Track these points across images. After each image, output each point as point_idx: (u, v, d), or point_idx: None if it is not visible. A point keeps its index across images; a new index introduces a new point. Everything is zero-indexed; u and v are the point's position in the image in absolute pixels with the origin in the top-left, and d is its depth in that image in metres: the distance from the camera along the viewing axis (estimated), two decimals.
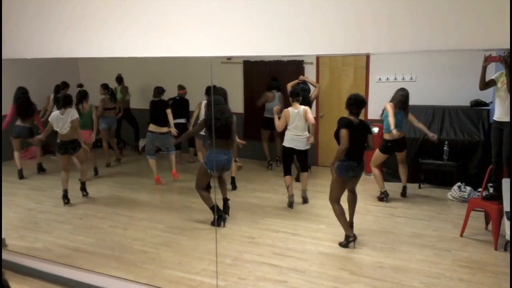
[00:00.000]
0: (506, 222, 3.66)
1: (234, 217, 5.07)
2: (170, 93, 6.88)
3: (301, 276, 3.83)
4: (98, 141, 7.04)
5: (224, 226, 4.87)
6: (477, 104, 5.87)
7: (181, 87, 6.96)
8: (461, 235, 4.55)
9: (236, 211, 5.19)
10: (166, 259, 4.21)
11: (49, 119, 5.53)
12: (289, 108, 5.43)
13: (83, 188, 5.89)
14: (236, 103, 7.40)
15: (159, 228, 4.94)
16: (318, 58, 6.95)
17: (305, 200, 5.50)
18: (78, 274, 3.81)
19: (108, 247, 4.47)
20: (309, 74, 7.16)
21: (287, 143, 5.45)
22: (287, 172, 5.48)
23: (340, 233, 4.48)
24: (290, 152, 5.49)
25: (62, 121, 5.49)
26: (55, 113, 5.54)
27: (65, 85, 7.25)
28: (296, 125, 5.37)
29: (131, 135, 7.93)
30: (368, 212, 5.26)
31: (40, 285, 3.84)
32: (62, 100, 5.65)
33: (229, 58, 6.58)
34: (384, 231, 4.76)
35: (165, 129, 6.35)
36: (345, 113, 4.35)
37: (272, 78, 7.06)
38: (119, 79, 7.74)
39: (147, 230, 4.92)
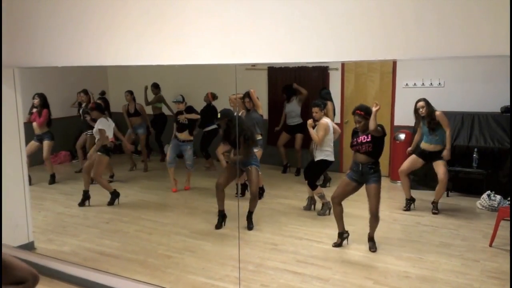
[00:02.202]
0: None
1: (257, 223, 5.06)
2: (196, 100, 6.97)
3: (324, 285, 3.79)
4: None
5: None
6: (508, 110, 5.70)
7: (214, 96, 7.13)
8: (490, 245, 4.42)
9: (260, 217, 5.18)
10: (189, 264, 4.23)
11: (103, 127, 5.80)
12: (327, 120, 5.32)
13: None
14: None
15: (183, 233, 4.98)
16: (343, 64, 6.91)
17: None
18: (104, 277, 3.86)
19: (133, 252, 4.53)
20: (334, 80, 7.14)
21: (330, 157, 5.34)
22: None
23: (364, 241, 4.43)
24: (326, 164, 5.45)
25: (110, 127, 5.88)
26: (105, 120, 5.86)
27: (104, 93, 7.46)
28: (331, 137, 5.32)
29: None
30: (394, 221, 5.18)
31: None
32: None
33: (253, 64, 6.62)
34: (410, 240, 4.67)
35: None
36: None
37: (284, 87, 7.06)
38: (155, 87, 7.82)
39: (171, 235, 4.97)
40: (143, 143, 7.39)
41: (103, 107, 6.18)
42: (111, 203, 5.89)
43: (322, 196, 5.35)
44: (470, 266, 4.06)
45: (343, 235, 4.50)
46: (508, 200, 4.83)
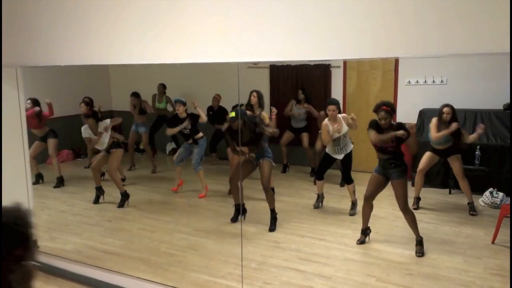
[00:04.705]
0: None
1: (260, 221, 5.07)
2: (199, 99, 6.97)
3: (326, 282, 3.80)
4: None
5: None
6: (510, 107, 5.69)
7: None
8: (493, 242, 4.42)
9: (262, 215, 5.18)
10: (192, 262, 4.25)
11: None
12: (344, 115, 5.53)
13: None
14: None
15: (186, 231, 4.99)
16: (345, 61, 6.91)
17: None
18: (107, 275, 3.88)
19: (136, 250, 4.55)
20: (336, 77, 7.14)
21: None
22: None
23: (367, 239, 4.43)
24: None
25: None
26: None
27: None
28: None
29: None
30: (396, 218, 5.15)
31: (70, 286, 3.93)
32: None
33: (255, 63, 6.61)
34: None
35: None
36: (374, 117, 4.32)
37: (302, 88, 6.98)
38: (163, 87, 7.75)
39: (174, 233, 4.98)
40: (145, 141, 7.29)
41: (98, 117, 5.88)
42: (121, 205, 5.77)
43: (354, 192, 5.41)
44: (473, 263, 4.06)
45: (366, 231, 4.51)
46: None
